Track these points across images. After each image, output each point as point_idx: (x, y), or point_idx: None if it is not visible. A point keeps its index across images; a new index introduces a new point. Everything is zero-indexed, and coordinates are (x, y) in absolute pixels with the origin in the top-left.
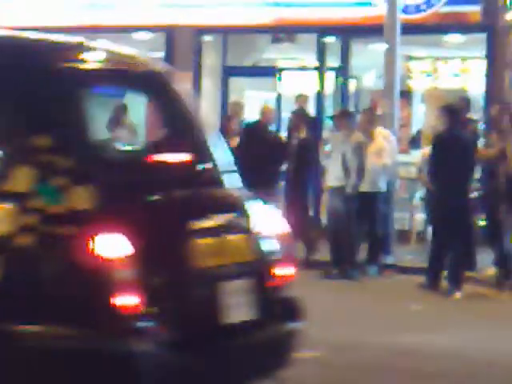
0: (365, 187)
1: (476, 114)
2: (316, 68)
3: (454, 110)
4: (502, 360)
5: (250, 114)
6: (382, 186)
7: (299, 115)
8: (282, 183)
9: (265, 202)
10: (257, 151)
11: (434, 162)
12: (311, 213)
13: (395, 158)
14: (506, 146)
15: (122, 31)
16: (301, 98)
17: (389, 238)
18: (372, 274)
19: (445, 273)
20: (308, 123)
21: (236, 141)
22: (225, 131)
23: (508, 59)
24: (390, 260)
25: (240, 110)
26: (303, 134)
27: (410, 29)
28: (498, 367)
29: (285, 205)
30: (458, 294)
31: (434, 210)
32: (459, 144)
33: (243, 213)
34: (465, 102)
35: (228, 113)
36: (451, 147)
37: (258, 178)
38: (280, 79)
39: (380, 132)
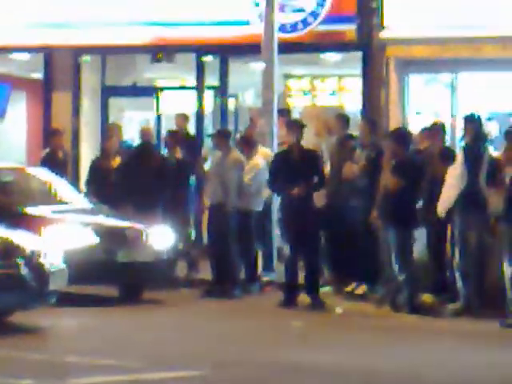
0: (241, 205)
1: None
2: (195, 87)
3: (298, 124)
4: (381, 375)
5: (130, 135)
6: (257, 204)
7: (173, 136)
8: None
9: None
10: (143, 174)
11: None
12: (193, 232)
13: None
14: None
15: None
16: (180, 117)
17: (271, 255)
18: (253, 292)
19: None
20: (185, 143)
21: (117, 161)
22: (105, 151)
23: (383, 77)
24: (272, 277)
25: (118, 131)
26: (179, 154)
27: (287, 47)
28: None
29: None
30: (338, 309)
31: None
32: (303, 157)
33: None
34: (343, 119)
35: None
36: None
37: (144, 201)
38: (158, 99)
39: (261, 150)
